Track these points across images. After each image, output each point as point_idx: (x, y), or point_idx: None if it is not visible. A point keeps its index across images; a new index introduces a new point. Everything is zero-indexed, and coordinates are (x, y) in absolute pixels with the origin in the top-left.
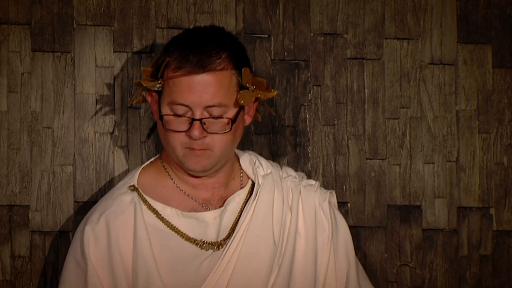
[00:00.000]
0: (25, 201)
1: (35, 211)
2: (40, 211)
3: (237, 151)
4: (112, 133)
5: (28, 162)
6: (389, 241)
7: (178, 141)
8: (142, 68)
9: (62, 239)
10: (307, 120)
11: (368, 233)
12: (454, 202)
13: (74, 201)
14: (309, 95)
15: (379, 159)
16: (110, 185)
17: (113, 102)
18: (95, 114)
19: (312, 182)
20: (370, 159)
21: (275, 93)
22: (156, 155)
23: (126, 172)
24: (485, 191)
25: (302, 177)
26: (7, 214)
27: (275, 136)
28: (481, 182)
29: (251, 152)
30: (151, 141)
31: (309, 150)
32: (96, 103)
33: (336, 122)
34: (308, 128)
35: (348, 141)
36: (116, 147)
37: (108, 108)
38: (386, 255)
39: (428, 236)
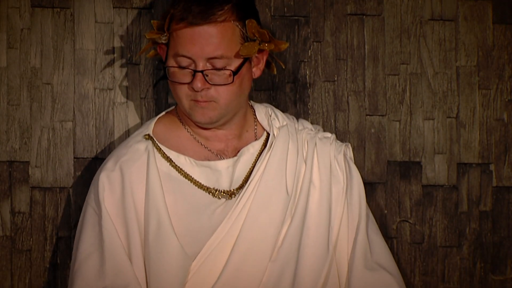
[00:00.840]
0: (25, 157)
1: (35, 167)
2: (40, 167)
3: (253, 103)
4: (112, 89)
5: (28, 118)
6: (389, 197)
7: (183, 93)
8: (152, 21)
9: (62, 195)
10: (307, 77)
11: (368, 189)
12: (454, 158)
13: (74, 157)
14: (309, 51)
15: (379, 115)
16: (110, 141)
17: (113, 58)
18: (95, 70)
19: (328, 134)
20: (370, 115)
21: (287, 45)
22: (155, 111)
23: (126, 128)
24: (485, 147)
25: (318, 130)
26: (7, 170)
27: (275, 92)
28: (481, 138)
29: (267, 104)
30: (150, 97)
31: (309, 107)
32: (96, 59)
33: (336, 79)
34: (308, 85)
35: (348, 97)
36: (116, 103)
37: (108, 64)
38: (386, 211)
39: (428, 192)
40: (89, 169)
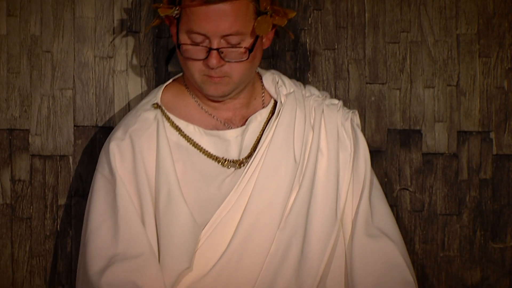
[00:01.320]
0: (25, 125)
1: (35, 135)
2: (40, 135)
3: (259, 70)
4: (112, 57)
5: (28, 86)
6: (389, 165)
7: (196, 68)
8: None
9: (62, 163)
10: (307, 45)
11: None
12: (454, 126)
13: (74, 125)
14: (309, 19)
15: (379, 84)
16: (109, 109)
17: (113, 26)
18: (95, 38)
19: (335, 101)
20: (370, 83)
21: (294, 14)
22: (155, 79)
23: (126, 96)
24: (485, 115)
25: (326, 96)
26: (7, 138)
27: (275, 60)
28: (481, 106)
29: (274, 71)
30: (150, 65)
31: (309, 75)
32: (96, 27)
33: (336, 47)
34: (308, 53)
35: (348, 65)
36: (116, 72)
37: (108, 32)
38: (386, 179)
39: (428, 160)
40: (89, 137)
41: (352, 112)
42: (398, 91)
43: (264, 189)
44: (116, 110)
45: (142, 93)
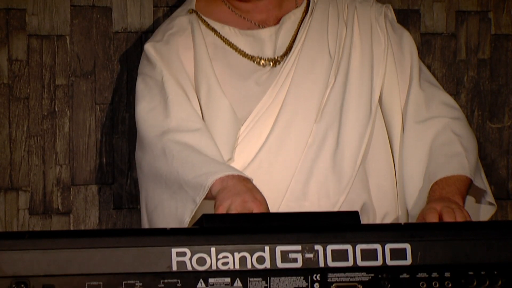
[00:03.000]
0: (22, 4)
1: (32, 14)
2: (37, 15)
3: None
4: None
5: None
6: None
7: None
8: None
9: (60, 43)
10: None
11: None
12: (452, 6)
13: (71, 5)
14: None
15: None
16: None
17: None
18: None
19: None
20: None
21: None
22: None
23: None
24: None
25: None
26: (3, 18)
27: None
28: None
29: None
30: None
31: None
32: None
33: None
34: None
35: None
36: None
37: None
38: None
39: (427, 40)
40: (86, 17)
41: (385, 7)
42: None
43: (301, 85)
44: None
45: None
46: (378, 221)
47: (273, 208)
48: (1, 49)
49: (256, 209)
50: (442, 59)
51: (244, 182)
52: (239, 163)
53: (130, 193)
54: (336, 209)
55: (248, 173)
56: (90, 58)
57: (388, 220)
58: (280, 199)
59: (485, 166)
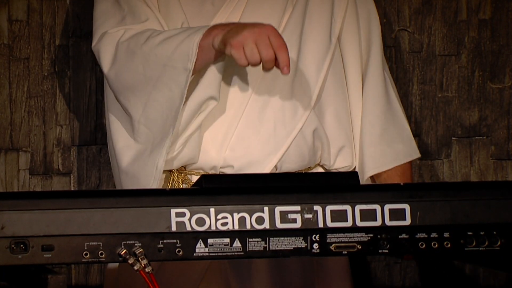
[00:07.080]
0: None
1: None
2: None
3: None
4: None
5: None
6: (388, 5)
7: None
8: None
9: (60, 3)
10: None
11: None
12: None
13: None
14: None
15: None
16: None
17: None
18: None
19: None
20: None
21: None
22: None
23: None
24: None
25: None
26: None
27: None
28: None
29: None
30: None
31: None
32: None
33: None
34: None
35: None
36: None
37: None
38: (384, 20)
39: (427, 1)
40: None
41: None
42: None
43: (256, 10)
44: None
45: None
46: (332, 151)
47: (223, 133)
48: (1, 9)
49: (266, 30)
50: (443, 19)
51: (231, 22)
52: None
53: None
54: (292, 136)
55: None
56: (90, 18)
57: (344, 154)
58: (234, 126)
59: (485, 126)
